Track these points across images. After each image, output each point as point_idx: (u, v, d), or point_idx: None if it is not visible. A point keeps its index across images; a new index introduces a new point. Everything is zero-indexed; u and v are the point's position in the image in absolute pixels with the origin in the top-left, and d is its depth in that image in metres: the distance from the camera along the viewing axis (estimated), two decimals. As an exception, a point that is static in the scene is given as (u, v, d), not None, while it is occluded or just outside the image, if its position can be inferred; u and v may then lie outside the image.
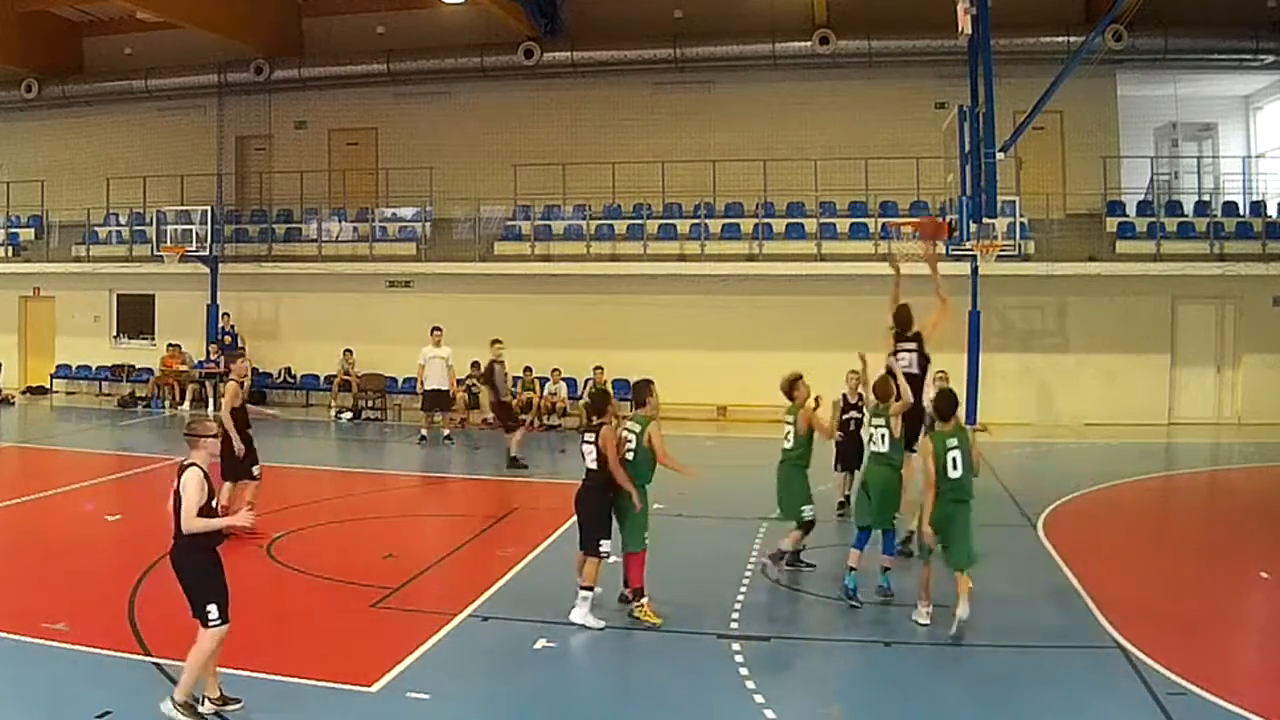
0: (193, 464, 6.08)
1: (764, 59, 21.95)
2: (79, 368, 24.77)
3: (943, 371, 12.11)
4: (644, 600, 8.22)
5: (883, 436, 9.02)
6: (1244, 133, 22.52)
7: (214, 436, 6.15)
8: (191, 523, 5.99)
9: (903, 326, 10.06)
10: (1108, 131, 21.13)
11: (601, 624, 8.13)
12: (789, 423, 9.48)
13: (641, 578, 8.26)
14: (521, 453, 15.64)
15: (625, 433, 8.40)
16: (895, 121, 20.95)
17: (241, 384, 11.31)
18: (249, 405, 11.49)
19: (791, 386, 9.50)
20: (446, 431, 18.03)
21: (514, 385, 16.80)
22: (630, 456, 8.30)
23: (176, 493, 6.03)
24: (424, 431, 18.03)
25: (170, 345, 23.38)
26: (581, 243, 22.01)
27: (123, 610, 8.05)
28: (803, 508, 9.37)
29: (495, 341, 16.64)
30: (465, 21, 22.53)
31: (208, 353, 22.72)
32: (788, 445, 9.48)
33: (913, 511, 8.69)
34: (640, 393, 8.66)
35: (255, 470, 10.94)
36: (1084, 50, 14.98)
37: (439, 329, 17.64)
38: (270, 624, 8.40)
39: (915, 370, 9.90)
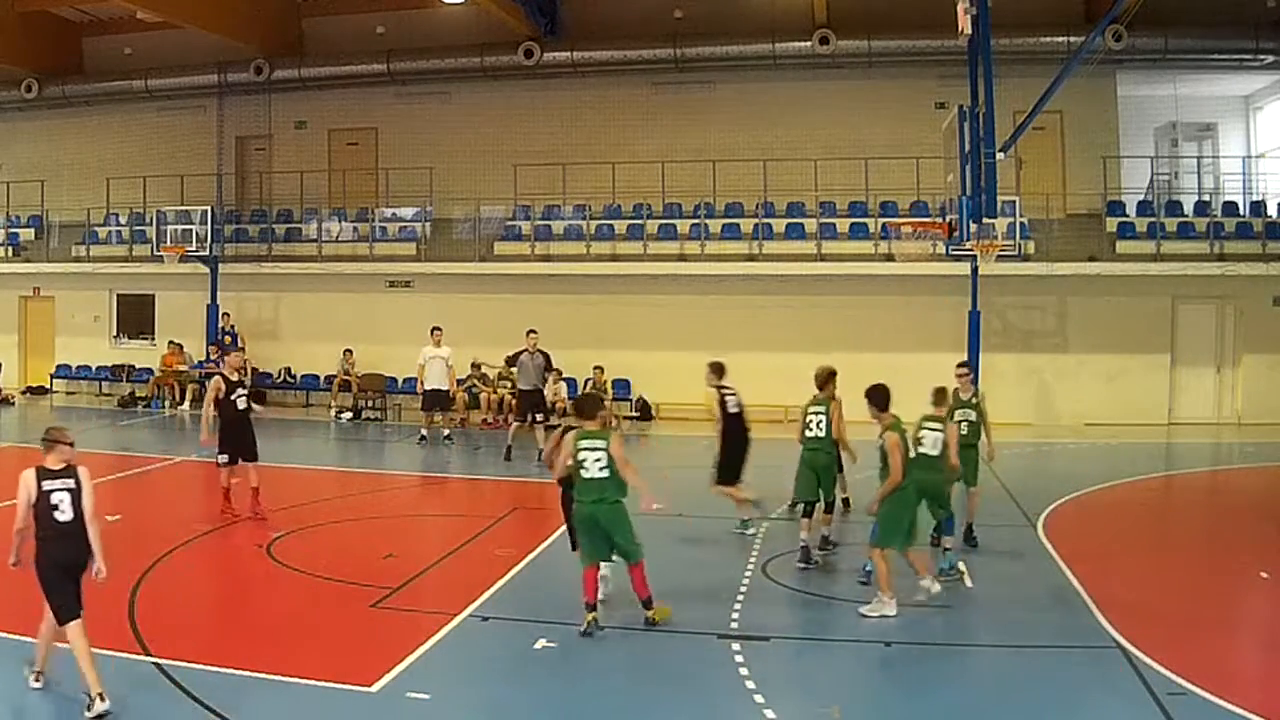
0: (77, 465, 6.41)
1: (764, 59, 21.92)
2: (79, 368, 24.76)
3: (964, 365, 12.09)
4: (656, 605, 8.13)
5: (934, 440, 9.22)
6: (1244, 133, 22.49)
7: (69, 444, 6.52)
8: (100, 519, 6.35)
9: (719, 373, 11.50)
10: (1108, 131, 21.09)
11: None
12: (820, 413, 9.95)
13: (647, 586, 8.12)
14: (514, 443, 15.95)
15: (584, 452, 7.94)
16: (895, 122, 20.92)
17: (227, 378, 11.70)
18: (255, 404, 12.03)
19: (828, 378, 10.09)
20: (446, 431, 18.04)
21: (542, 377, 16.35)
22: (604, 474, 7.93)
23: (74, 493, 6.45)
24: (424, 431, 18.03)
25: (171, 343, 23.41)
26: (581, 243, 22.01)
27: (123, 610, 8.04)
28: (832, 490, 10.15)
29: (530, 332, 16.48)
30: (465, 21, 22.50)
31: (207, 353, 22.73)
32: (820, 435, 9.92)
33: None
34: (592, 407, 8.28)
35: (220, 459, 11.50)
36: (1084, 50, 14.94)
37: (439, 329, 17.61)
38: (270, 624, 8.43)
39: (736, 410, 11.34)
